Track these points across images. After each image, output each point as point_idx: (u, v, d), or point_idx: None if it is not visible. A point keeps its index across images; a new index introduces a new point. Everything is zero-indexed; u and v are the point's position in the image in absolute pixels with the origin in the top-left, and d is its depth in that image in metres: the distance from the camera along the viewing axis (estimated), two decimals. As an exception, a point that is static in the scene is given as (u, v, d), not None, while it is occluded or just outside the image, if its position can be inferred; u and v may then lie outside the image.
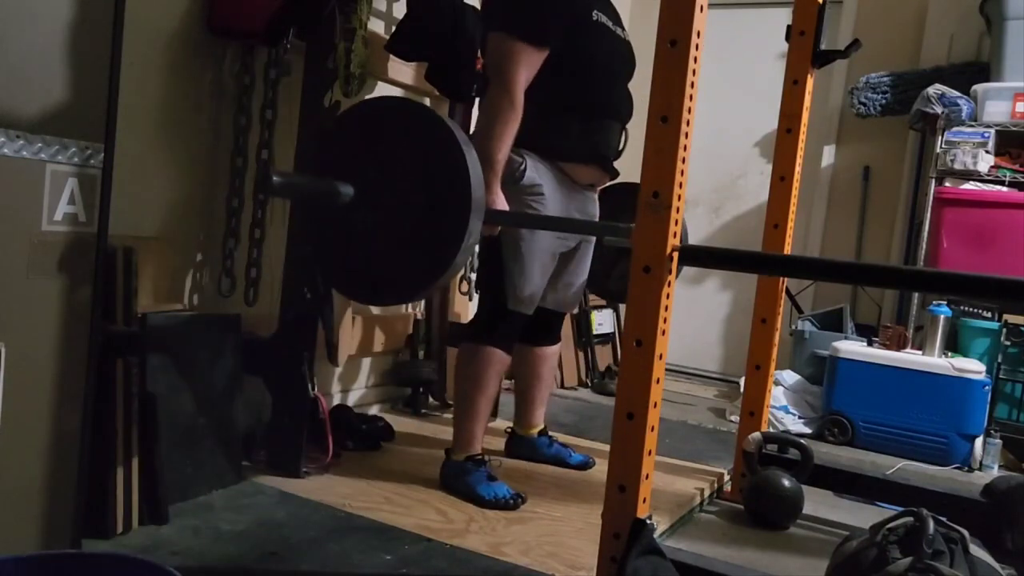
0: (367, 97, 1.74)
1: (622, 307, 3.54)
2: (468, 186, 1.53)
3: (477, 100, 2.99)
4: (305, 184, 1.66)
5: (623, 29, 2.26)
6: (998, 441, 3.05)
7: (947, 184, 3.40)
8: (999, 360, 3.23)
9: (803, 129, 2.33)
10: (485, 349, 2.17)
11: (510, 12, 2.04)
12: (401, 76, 2.73)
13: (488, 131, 2.00)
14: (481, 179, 1.57)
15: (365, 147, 1.67)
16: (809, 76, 2.31)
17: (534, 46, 2.00)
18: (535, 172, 2.12)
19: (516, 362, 2.42)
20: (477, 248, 2.45)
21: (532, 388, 2.50)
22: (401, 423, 2.75)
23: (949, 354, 3.20)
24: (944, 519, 1.57)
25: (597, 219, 2.35)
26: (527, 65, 2.01)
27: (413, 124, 1.64)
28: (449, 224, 1.56)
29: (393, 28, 2.67)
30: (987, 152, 3.36)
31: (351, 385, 2.87)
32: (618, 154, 2.26)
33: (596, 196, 2.35)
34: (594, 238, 2.37)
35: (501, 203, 2.02)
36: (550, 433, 2.57)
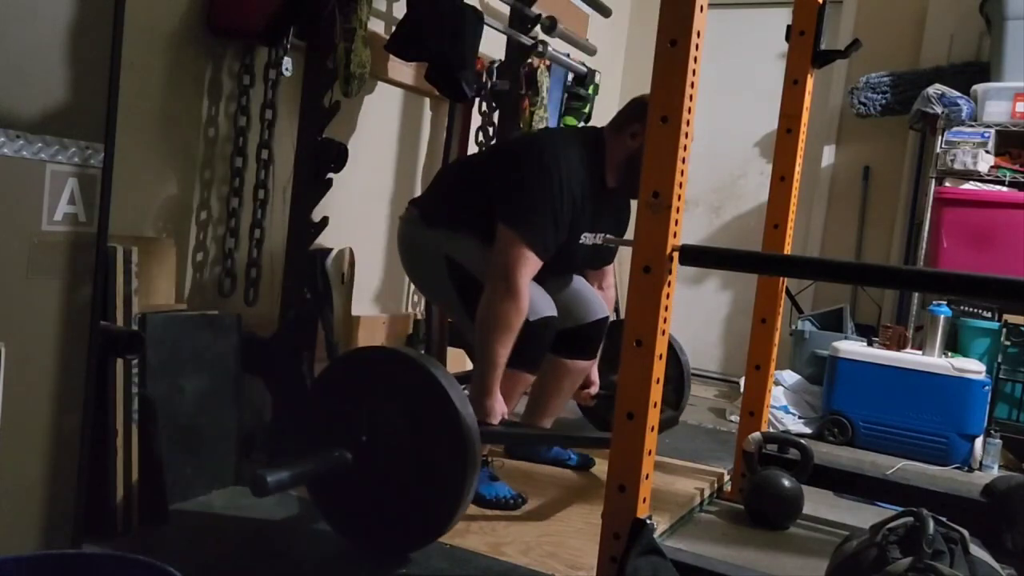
0: (348, 353, 1.74)
1: (622, 307, 3.54)
2: (467, 451, 1.56)
3: (476, 101, 3.01)
4: (304, 471, 1.62)
5: (616, 233, 2.31)
6: (998, 441, 3.05)
7: (947, 184, 3.40)
8: (999, 360, 3.23)
9: (803, 129, 2.33)
10: (510, 372, 2.07)
11: (527, 219, 2.00)
12: (401, 76, 2.73)
13: (494, 334, 1.96)
14: (478, 438, 1.58)
15: (354, 404, 1.68)
16: (809, 76, 2.31)
17: (539, 257, 2.01)
18: None
19: (542, 368, 2.30)
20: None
21: (549, 399, 2.42)
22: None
23: (949, 354, 3.20)
24: (944, 519, 1.57)
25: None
26: (533, 271, 2.01)
27: (404, 379, 1.65)
28: (448, 483, 1.59)
29: (393, 28, 2.68)
30: (987, 152, 3.36)
31: (351, 385, 2.86)
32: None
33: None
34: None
35: (500, 407, 2.01)
36: (550, 433, 2.56)
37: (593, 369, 2.45)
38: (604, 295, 2.49)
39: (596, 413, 2.84)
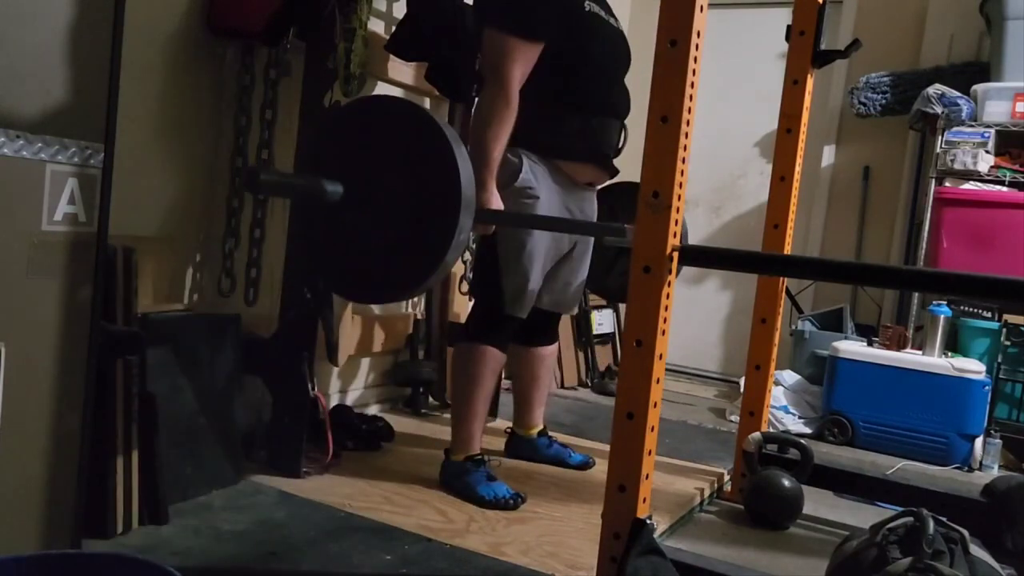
0: (353, 101, 1.72)
1: (622, 307, 3.54)
2: (458, 184, 1.53)
3: (476, 100, 3.01)
4: (292, 182, 1.64)
5: (616, 19, 2.25)
6: (998, 441, 3.05)
7: (947, 184, 3.40)
8: (999, 360, 3.23)
9: (803, 129, 2.33)
10: (480, 348, 2.17)
11: (502, 8, 2.04)
12: (401, 76, 2.73)
13: (484, 128, 2.00)
14: (471, 177, 1.57)
15: (355, 146, 1.67)
16: (809, 76, 2.31)
17: (527, 40, 2.00)
18: (531, 174, 2.12)
19: (513, 363, 2.43)
20: (474, 247, 2.43)
21: (530, 389, 2.50)
22: (401, 423, 2.75)
23: (949, 354, 3.20)
24: (944, 519, 1.58)
25: (595, 219, 2.35)
26: (522, 61, 2.00)
27: (402, 122, 1.64)
28: (439, 222, 1.56)
29: (393, 28, 2.68)
30: (987, 152, 3.36)
31: (351, 385, 2.87)
32: (617, 152, 2.26)
33: (594, 195, 2.35)
34: (592, 238, 2.37)
35: (496, 201, 2.02)
36: (550, 433, 2.57)
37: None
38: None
39: None
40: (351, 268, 1.69)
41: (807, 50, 2.28)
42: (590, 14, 2.12)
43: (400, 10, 2.61)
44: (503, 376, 2.73)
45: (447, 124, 1.59)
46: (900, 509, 1.65)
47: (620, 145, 2.25)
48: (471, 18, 2.53)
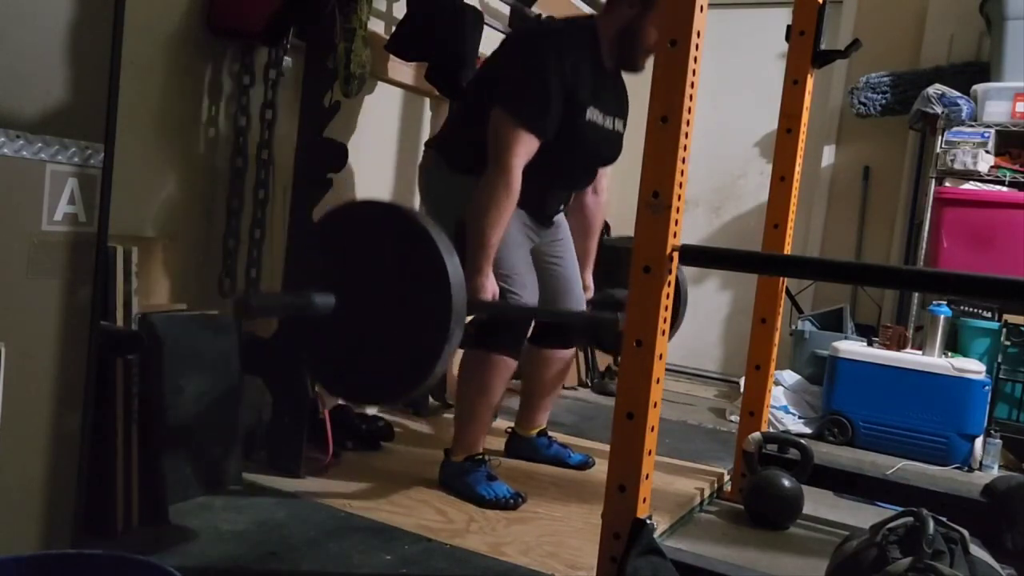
0: (343, 204, 1.71)
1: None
2: (449, 298, 1.53)
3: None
4: (284, 302, 1.64)
5: (619, 119, 2.26)
6: (998, 441, 3.05)
7: (947, 184, 3.40)
8: (999, 360, 3.23)
9: (803, 129, 2.33)
10: (492, 357, 2.14)
11: (518, 97, 2.02)
12: (401, 76, 2.73)
13: (484, 213, 1.98)
14: (463, 288, 1.57)
15: (347, 253, 1.67)
16: (809, 76, 2.31)
17: (535, 136, 2.01)
18: None
19: (524, 362, 2.40)
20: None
21: (537, 391, 2.48)
22: (401, 423, 2.75)
23: (949, 354, 3.20)
24: (944, 519, 1.58)
25: (563, 232, 2.39)
26: (526, 152, 2.01)
27: (394, 230, 1.64)
28: (430, 333, 1.56)
29: (393, 28, 2.68)
30: (987, 152, 3.36)
31: (351, 385, 2.86)
32: (556, 212, 2.34)
33: (559, 217, 2.38)
34: (571, 240, 2.41)
35: (491, 285, 2.02)
36: (549, 433, 2.57)
37: (587, 274, 2.51)
38: (597, 200, 2.49)
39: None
40: (342, 370, 1.69)
41: (807, 50, 2.28)
42: (589, 123, 2.12)
43: (400, 10, 2.61)
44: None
45: (439, 232, 1.59)
46: (900, 509, 1.65)
47: (561, 208, 2.34)
48: (472, 18, 2.53)
